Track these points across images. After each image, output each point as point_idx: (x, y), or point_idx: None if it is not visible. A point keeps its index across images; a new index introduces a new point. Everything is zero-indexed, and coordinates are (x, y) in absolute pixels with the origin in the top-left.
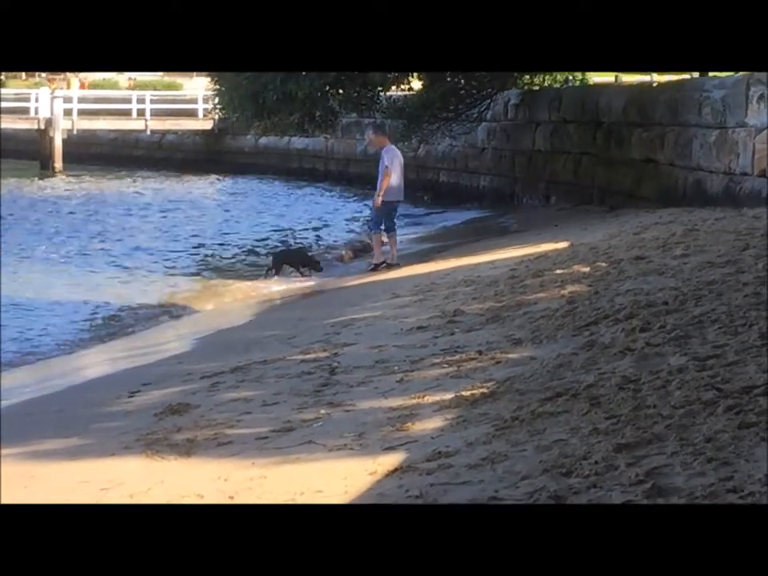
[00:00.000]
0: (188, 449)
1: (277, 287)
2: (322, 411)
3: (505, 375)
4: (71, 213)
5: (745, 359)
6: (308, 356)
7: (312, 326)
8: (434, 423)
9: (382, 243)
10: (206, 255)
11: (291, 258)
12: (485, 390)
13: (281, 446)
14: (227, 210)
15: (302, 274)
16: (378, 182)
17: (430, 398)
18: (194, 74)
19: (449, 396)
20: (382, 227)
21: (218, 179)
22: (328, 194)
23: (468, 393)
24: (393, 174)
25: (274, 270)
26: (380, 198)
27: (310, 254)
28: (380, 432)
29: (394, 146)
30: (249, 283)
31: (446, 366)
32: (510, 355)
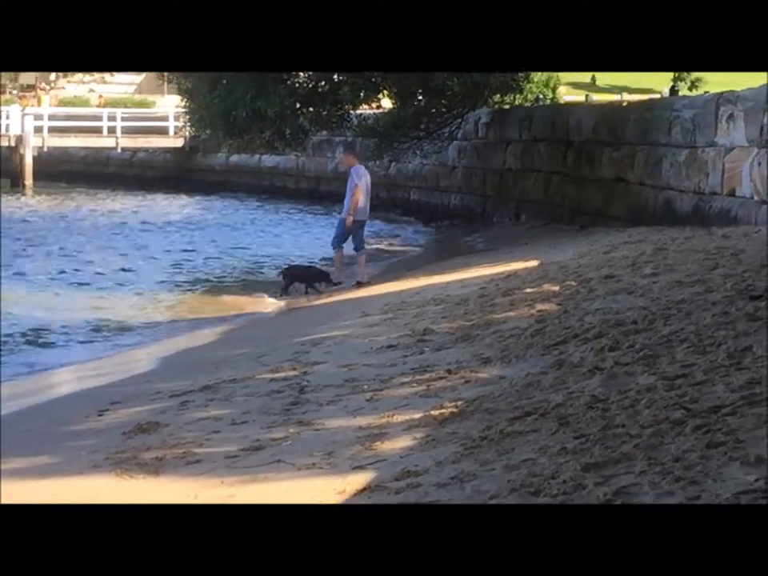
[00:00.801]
0: (157, 468)
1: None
2: (291, 430)
3: (474, 394)
4: (48, 229)
5: (713, 379)
6: (277, 375)
7: (282, 345)
8: (403, 442)
9: (344, 261)
10: (202, 271)
11: (302, 275)
12: (454, 410)
13: (250, 464)
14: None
15: (317, 290)
16: (347, 200)
17: (399, 417)
18: (166, 91)
19: (418, 415)
20: (353, 246)
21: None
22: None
23: (437, 412)
24: (361, 193)
25: (286, 288)
26: (351, 217)
27: (320, 268)
28: (349, 451)
29: (362, 166)
30: (251, 299)
31: (415, 384)
32: (480, 374)
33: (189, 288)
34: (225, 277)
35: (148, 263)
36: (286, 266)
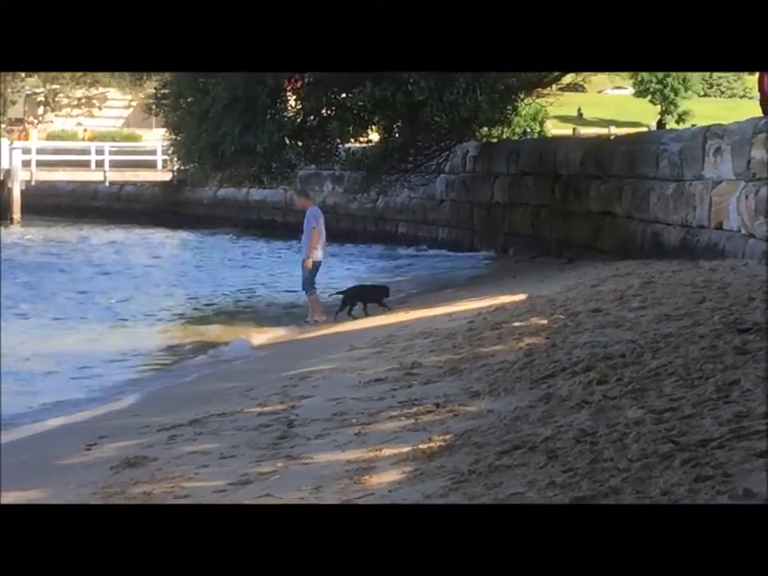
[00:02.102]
0: (144, 502)
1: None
2: (280, 464)
3: (462, 428)
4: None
5: (701, 412)
6: (266, 408)
7: (270, 379)
8: (391, 476)
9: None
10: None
11: (364, 294)
12: (442, 443)
13: (238, 499)
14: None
15: (386, 306)
16: (305, 243)
17: (387, 451)
18: (153, 125)
19: (406, 449)
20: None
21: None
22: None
23: (425, 446)
24: (318, 236)
25: (349, 308)
26: (310, 260)
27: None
28: (337, 485)
29: (316, 207)
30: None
31: (403, 418)
32: (468, 408)
33: (221, 318)
34: (247, 307)
35: (153, 296)
36: (347, 288)
